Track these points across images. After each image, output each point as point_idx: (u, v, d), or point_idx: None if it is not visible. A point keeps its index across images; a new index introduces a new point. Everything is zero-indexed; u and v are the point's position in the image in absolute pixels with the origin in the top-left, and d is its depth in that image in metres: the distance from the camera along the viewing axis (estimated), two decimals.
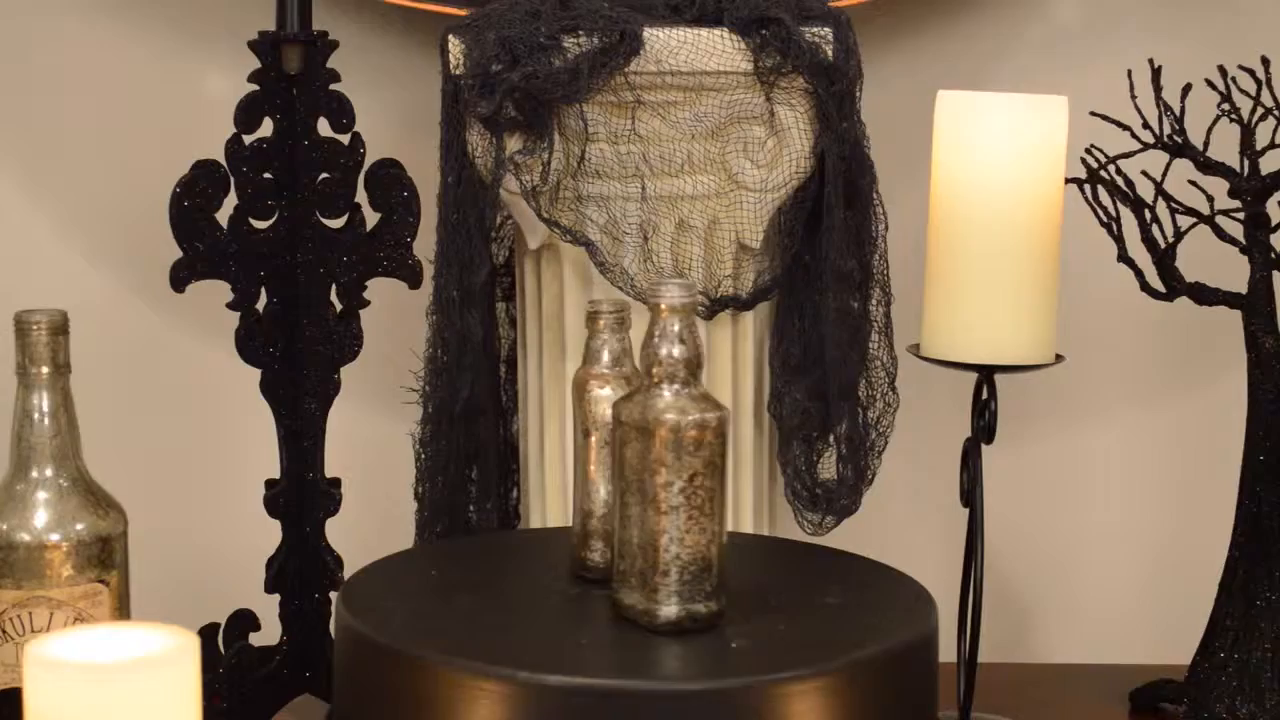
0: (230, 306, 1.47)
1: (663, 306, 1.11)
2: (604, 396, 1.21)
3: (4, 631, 1.26)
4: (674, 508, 1.10)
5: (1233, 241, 1.52)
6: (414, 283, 1.48)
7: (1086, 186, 1.53)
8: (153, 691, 0.83)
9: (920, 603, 1.20)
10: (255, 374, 1.48)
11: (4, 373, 1.31)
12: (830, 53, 1.41)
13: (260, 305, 1.47)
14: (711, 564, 1.12)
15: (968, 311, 1.42)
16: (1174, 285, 1.53)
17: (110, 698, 0.82)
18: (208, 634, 1.50)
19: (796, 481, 1.47)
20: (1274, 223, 1.52)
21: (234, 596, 1.53)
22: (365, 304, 1.49)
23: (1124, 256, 1.53)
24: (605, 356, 1.23)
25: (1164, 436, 1.82)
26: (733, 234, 1.44)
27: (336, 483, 1.51)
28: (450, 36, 1.41)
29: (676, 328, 1.11)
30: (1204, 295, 1.53)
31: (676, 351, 1.11)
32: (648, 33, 1.38)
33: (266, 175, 1.46)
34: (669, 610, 1.11)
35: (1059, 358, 1.45)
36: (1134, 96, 1.52)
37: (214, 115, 1.51)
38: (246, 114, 1.45)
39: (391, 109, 1.67)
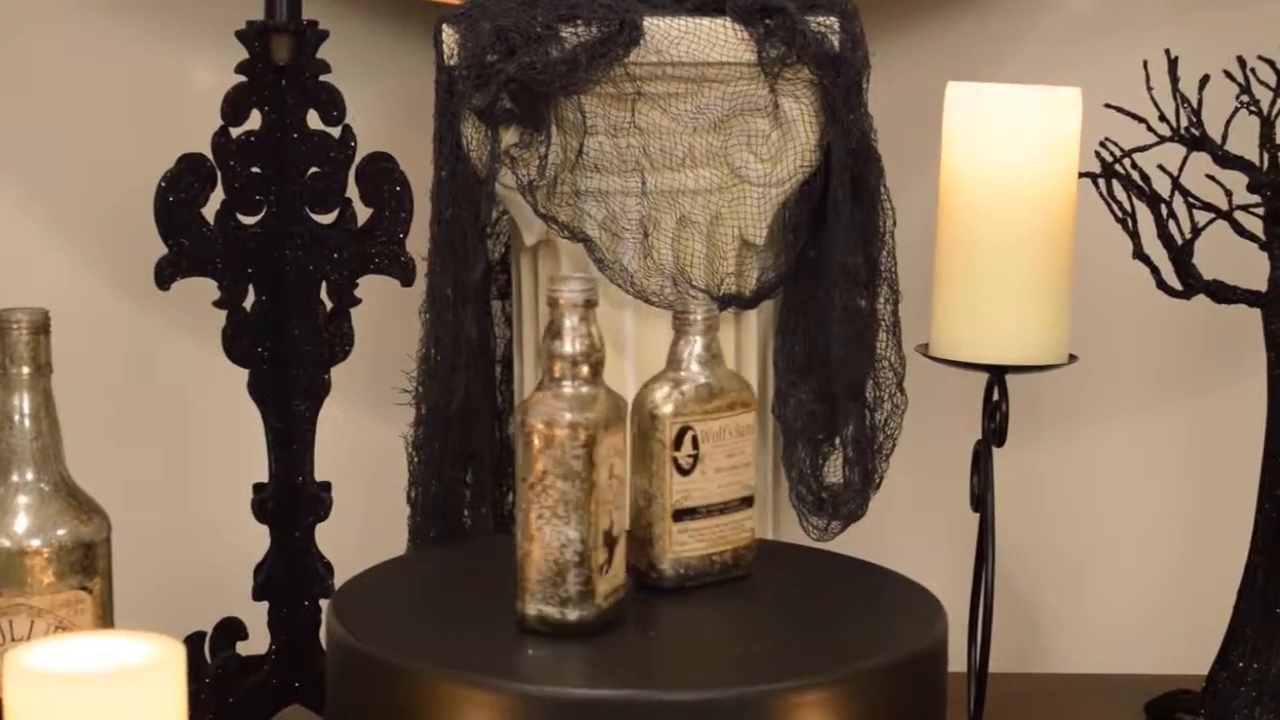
0: (217, 305, 1.46)
1: (561, 301, 1.12)
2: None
3: None
4: (527, 503, 1.12)
5: (1252, 238, 1.51)
6: (406, 280, 1.47)
7: (1101, 181, 1.53)
8: (137, 702, 0.83)
9: (929, 610, 1.20)
10: (243, 374, 1.48)
11: None
12: (836, 43, 1.40)
13: (248, 303, 1.47)
14: (566, 569, 1.11)
15: (978, 310, 1.42)
16: (1191, 283, 1.52)
17: (93, 708, 0.82)
18: (194, 643, 1.49)
19: (802, 485, 1.46)
20: None
21: (221, 604, 1.53)
22: (356, 302, 1.48)
23: (1140, 253, 1.52)
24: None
25: (1180, 439, 1.82)
26: (736, 230, 1.43)
27: (327, 487, 1.51)
28: (444, 26, 1.40)
29: (573, 323, 1.12)
30: (1222, 293, 1.52)
31: (569, 347, 1.12)
32: (648, 22, 1.37)
33: (254, 169, 1.45)
34: (522, 607, 1.13)
35: (1072, 358, 1.45)
36: (1150, 88, 1.51)
37: (200, 107, 1.50)
38: (234, 106, 1.44)
39: (383, 101, 1.66)
